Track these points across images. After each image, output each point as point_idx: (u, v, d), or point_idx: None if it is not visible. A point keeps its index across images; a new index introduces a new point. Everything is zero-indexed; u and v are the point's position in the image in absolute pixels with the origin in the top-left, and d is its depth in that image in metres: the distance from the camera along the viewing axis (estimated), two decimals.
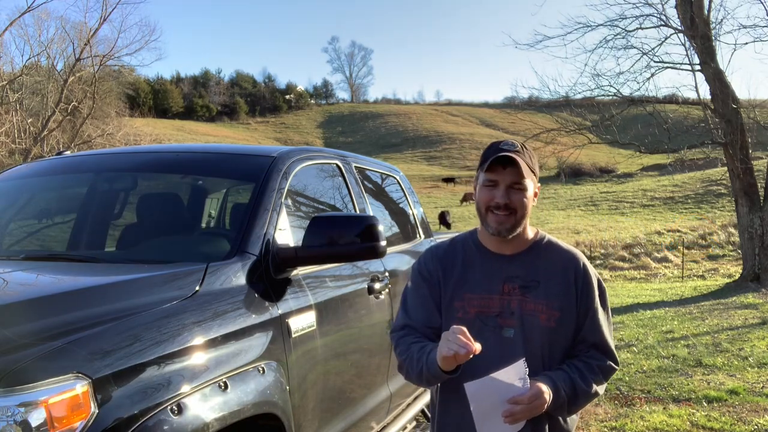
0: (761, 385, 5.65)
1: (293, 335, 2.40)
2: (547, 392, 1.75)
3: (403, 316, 2.00)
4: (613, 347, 1.95)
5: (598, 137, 15.36)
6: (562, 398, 1.80)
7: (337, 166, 3.46)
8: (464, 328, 1.70)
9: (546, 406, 1.75)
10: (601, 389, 1.92)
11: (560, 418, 1.92)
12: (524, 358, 1.73)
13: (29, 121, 28.04)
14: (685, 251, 23.60)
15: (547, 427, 1.89)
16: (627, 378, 6.05)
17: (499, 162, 1.84)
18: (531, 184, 1.88)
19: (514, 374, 1.71)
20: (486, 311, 1.88)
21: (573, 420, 1.98)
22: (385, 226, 3.71)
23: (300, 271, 2.61)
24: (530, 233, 1.97)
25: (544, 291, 1.88)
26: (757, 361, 6.48)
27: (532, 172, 1.89)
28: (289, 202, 2.84)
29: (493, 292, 1.89)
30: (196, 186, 3.21)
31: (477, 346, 1.66)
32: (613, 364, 1.94)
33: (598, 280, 1.97)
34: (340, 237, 2.50)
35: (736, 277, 15.66)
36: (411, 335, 1.95)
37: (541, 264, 1.92)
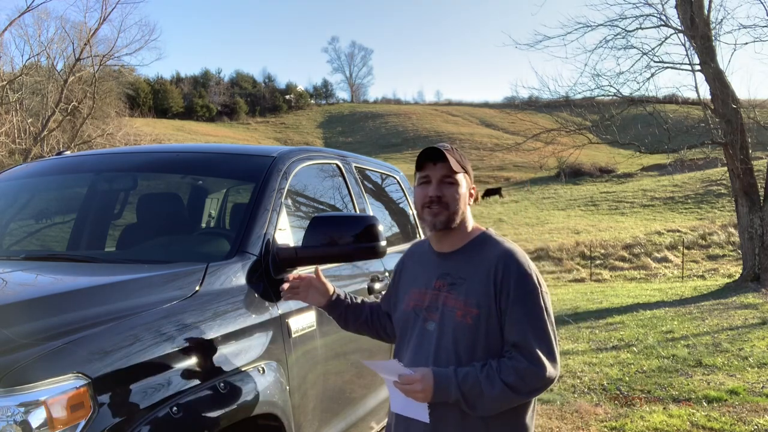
0: (761, 385, 5.65)
1: (293, 335, 2.40)
2: (421, 381, 1.80)
3: None
4: (536, 349, 1.81)
5: (598, 137, 15.35)
6: (454, 394, 1.80)
7: (337, 166, 3.46)
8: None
9: (427, 395, 1.81)
10: (520, 395, 1.82)
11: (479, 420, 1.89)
12: (397, 359, 1.93)
13: (29, 121, 28.03)
14: (685, 251, 23.59)
15: (457, 419, 1.87)
16: (627, 378, 6.06)
17: (428, 158, 1.96)
18: (464, 182, 1.98)
19: (388, 369, 1.87)
20: (419, 305, 2.01)
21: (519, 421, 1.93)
22: (385, 226, 3.71)
23: (300, 271, 2.60)
24: (470, 231, 2.01)
25: (465, 288, 1.92)
26: (757, 361, 6.48)
27: (464, 170, 1.98)
28: (289, 202, 2.84)
29: (428, 287, 2.00)
30: (196, 186, 3.21)
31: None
32: (533, 367, 1.80)
33: (527, 276, 1.87)
34: (340, 237, 2.50)
35: (736, 277, 15.66)
36: None
37: (471, 261, 1.96)
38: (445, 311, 1.93)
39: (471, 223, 2.03)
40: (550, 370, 1.83)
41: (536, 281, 1.90)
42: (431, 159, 1.95)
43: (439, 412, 1.86)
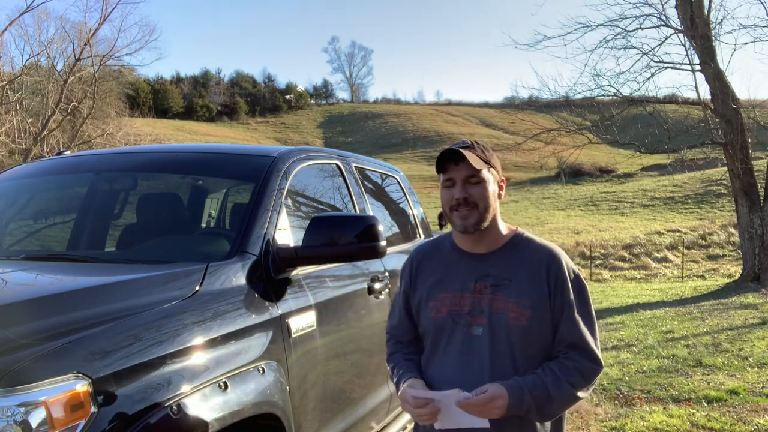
0: (761, 385, 5.65)
1: (293, 335, 2.40)
2: (501, 397, 1.74)
3: (389, 320, 2.17)
4: (593, 346, 1.89)
5: (598, 137, 15.36)
6: (527, 404, 1.77)
7: (337, 166, 3.46)
8: (416, 393, 1.82)
9: (504, 410, 1.75)
10: (582, 392, 1.86)
11: (536, 423, 1.88)
12: (458, 389, 1.77)
13: (29, 121, 28.04)
14: (685, 251, 23.60)
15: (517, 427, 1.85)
16: (627, 378, 6.05)
17: (449, 159, 1.87)
18: (490, 177, 1.89)
19: (451, 399, 1.76)
20: (457, 310, 1.90)
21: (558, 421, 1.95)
22: (385, 226, 3.71)
23: (300, 271, 2.60)
24: (504, 231, 1.96)
25: (515, 289, 1.87)
26: (757, 361, 6.48)
27: (488, 164, 1.90)
28: (289, 202, 2.84)
29: (465, 290, 1.90)
30: (196, 186, 3.21)
31: (434, 398, 1.79)
32: (593, 365, 1.87)
33: (576, 276, 1.92)
34: (340, 237, 2.49)
35: (736, 277, 15.68)
36: (391, 340, 2.11)
37: (514, 262, 1.91)
38: (493, 314, 1.85)
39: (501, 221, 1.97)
40: (602, 364, 1.91)
41: (583, 279, 1.94)
42: (452, 159, 1.86)
43: (497, 420, 1.80)
